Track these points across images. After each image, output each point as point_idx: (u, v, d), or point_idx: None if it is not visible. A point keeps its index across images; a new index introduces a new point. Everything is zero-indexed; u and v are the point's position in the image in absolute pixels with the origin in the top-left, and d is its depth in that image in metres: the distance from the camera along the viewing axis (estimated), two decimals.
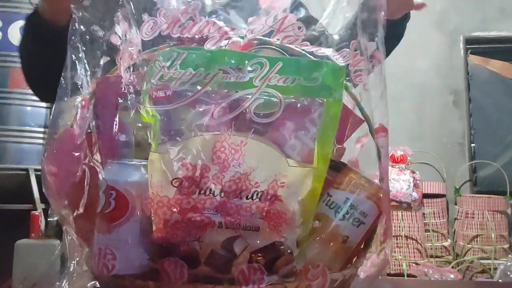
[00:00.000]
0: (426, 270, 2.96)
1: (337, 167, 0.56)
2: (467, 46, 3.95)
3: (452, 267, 3.20)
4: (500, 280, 2.76)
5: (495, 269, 3.04)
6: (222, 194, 0.44)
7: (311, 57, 0.53)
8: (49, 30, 0.79)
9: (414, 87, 3.80)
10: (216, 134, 0.45)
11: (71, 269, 0.55)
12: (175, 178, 0.44)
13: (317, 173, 0.47)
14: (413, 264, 3.11)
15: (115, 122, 0.51)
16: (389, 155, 3.31)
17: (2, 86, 2.95)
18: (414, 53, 3.74)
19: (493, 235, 3.30)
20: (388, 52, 0.60)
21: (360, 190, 0.52)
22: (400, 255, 3.16)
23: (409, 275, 3.01)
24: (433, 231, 3.39)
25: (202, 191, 0.44)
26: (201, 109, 0.47)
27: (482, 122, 3.87)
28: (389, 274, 3.08)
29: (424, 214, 3.38)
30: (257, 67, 0.47)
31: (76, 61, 0.55)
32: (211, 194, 0.44)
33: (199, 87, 0.46)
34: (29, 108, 2.98)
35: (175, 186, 0.44)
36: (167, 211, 0.44)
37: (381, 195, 0.53)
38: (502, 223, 3.41)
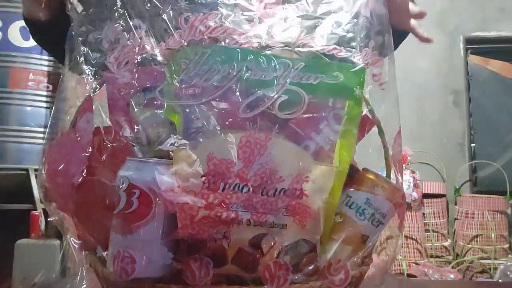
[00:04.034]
0: (426, 270, 2.96)
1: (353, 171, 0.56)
2: (467, 46, 3.95)
3: (452, 267, 3.20)
4: (500, 280, 2.76)
5: (495, 269, 3.04)
6: (248, 189, 0.44)
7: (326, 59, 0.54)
8: (36, 27, 0.82)
9: (414, 87, 3.79)
10: (241, 130, 0.46)
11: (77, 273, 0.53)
12: (202, 174, 0.44)
13: (338, 173, 0.48)
14: (413, 264, 3.11)
15: (125, 119, 0.50)
16: None
17: (2, 86, 2.95)
18: (414, 53, 3.73)
19: (493, 235, 3.30)
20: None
21: (380, 191, 0.52)
22: (400, 255, 3.16)
23: (409, 275, 3.01)
24: (433, 231, 3.39)
25: (228, 186, 0.44)
26: (226, 106, 0.47)
27: (482, 122, 3.87)
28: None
29: (424, 214, 3.38)
30: (281, 67, 0.48)
31: (76, 60, 0.55)
32: (237, 189, 0.44)
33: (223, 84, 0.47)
34: (29, 108, 2.98)
35: (201, 182, 0.44)
36: (194, 206, 0.43)
37: (399, 197, 0.53)
38: (502, 223, 3.41)
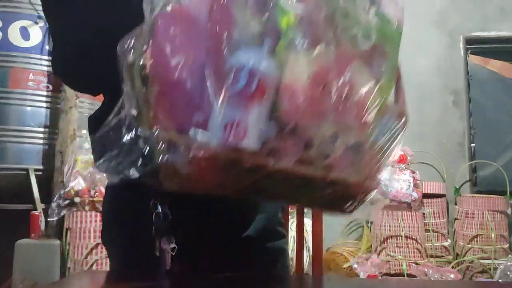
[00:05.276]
0: (426, 270, 2.96)
1: None
2: (467, 46, 3.95)
3: (452, 267, 3.20)
4: (500, 280, 2.76)
5: (495, 269, 3.04)
6: (336, 94, 0.55)
7: None
8: None
9: (414, 87, 3.80)
10: (338, 48, 0.57)
11: None
12: (310, 73, 0.54)
13: (382, 102, 0.61)
14: (413, 264, 3.12)
15: (228, 15, 0.55)
16: None
17: (2, 86, 2.95)
18: (414, 53, 3.74)
19: (493, 235, 3.30)
20: None
21: (392, 113, 0.66)
22: (400, 255, 3.17)
23: (409, 275, 3.01)
24: (433, 231, 3.40)
25: (327, 87, 0.55)
26: (329, 23, 0.57)
27: (482, 122, 3.88)
28: (389, 274, 3.08)
29: (424, 214, 3.38)
30: (364, 5, 0.60)
31: None
32: (330, 92, 0.55)
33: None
34: (29, 108, 2.99)
35: (308, 80, 0.54)
36: (301, 98, 0.53)
37: (404, 116, 0.68)
38: (502, 223, 3.41)
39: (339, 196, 0.60)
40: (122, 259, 0.81)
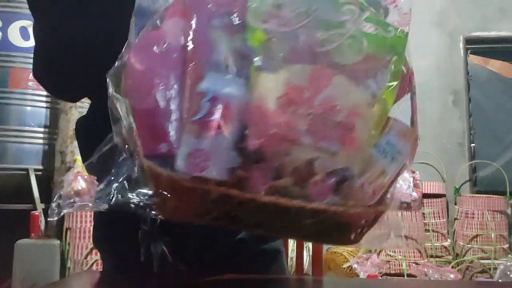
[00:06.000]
0: (426, 270, 2.96)
1: None
2: (467, 46, 3.95)
3: (452, 267, 3.20)
4: (500, 280, 2.76)
5: (495, 269, 3.04)
6: (312, 117, 0.51)
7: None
8: None
9: None
10: (314, 64, 0.53)
11: None
12: (279, 96, 0.50)
13: (381, 116, 0.55)
14: (413, 264, 3.12)
15: (207, 40, 0.53)
16: None
17: (2, 86, 2.95)
18: (414, 53, 3.71)
19: (493, 235, 3.30)
20: None
21: (396, 131, 0.59)
22: (400, 255, 3.17)
23: (409, 275, 3.01)
24: (433, 231, 3.40)
25: (298, 110, 0.51)
26: (306, 39, 0.53)
27: (482, 122, 3.88)
28: (389, 274, 3.08)
29: (424, 214, 3.39)
30: (350, 12, 0.54)
31: None
32: (304, 114, 0.51)
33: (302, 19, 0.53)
34: (29, 108, 2.99)
35: (276, 103, 0.50)
36: (267, 123, 0.50)
37: (413, 136, 0.62)
38: (502, 223, 3.41)
39: (331, 225, 0.55)
40: (112, 263, 0.81)
